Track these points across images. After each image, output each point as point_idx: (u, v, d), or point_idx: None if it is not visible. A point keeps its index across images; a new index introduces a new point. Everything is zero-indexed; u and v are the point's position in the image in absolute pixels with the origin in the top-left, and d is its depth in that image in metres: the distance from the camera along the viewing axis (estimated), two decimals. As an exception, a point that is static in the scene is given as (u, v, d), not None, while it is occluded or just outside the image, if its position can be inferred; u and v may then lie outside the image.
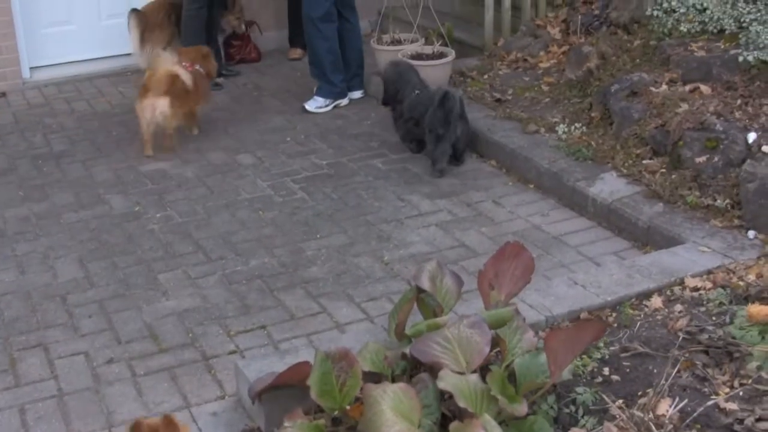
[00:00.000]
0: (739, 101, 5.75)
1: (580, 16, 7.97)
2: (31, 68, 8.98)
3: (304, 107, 7.77)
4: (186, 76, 7.07)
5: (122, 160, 7.00)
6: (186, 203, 6.25)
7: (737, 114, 5.64)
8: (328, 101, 7.75)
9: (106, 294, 5.27)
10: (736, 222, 5.19)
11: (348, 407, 3.61)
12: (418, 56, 7.61)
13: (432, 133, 6.49)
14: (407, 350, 3.74)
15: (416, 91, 6.75)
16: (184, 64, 7.19)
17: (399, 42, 7.97)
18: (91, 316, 5.08)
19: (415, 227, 5.82)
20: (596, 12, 7.94)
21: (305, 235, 5.79)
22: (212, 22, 8.51)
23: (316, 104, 7.75)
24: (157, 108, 6.96)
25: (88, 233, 5.94)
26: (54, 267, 5.56)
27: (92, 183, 6.65)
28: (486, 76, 7.83)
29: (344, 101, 7.84)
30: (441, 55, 7.63)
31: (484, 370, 3.59)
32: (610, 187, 5.78)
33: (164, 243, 5.75)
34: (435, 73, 7.45)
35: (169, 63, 7.09)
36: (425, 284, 4.09)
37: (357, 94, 7.83)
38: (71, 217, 6.17)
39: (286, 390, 3.80)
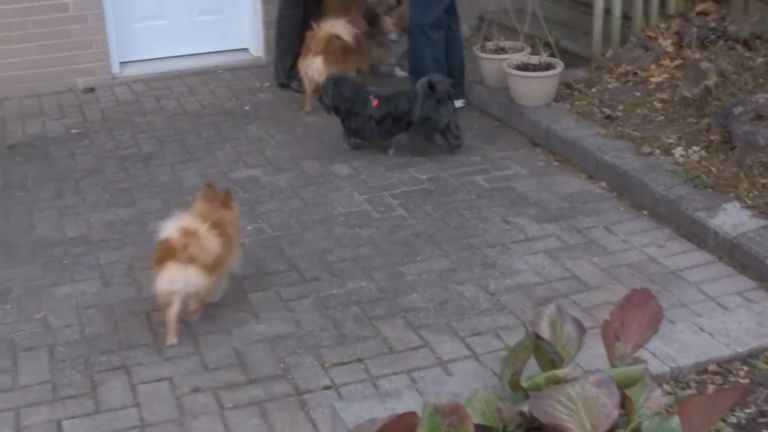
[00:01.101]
0: None
1: (695, 29, 7.50)
2: (120, 63, 8.72)
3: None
4: (347, 36, 7.50)
5: (212, 164, 6.69)
6: (279, 215, 5.91)
7: None
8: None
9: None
10: None
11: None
12: (524, 66, 7.18)
13: (428, 121, 6.73)
14: (525, 408, 3.34)
15: (371, 96, 6.79)
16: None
17: (503, 50, 7.56)
18: (176, 337, 4.68)
19: (522, 253, 5.41)
20: (712, 24, 7.46)
21: (405, 257, 5.41)
22: (309, 22, 8.09)
23: (418, 113, 7.33)
24: (312, 66, 7.47)
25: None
26: (138, 280, 5.28)
27: (181, 189, 6.34)
28: (594, 90, 7.39)
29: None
30: (548, 66, 7.19)
31: (608, 433, 3.18)
32: (733, 219, 5.33)
33: (255, 259, 5.41)
34: (542, 86, 7.06)
35: (330, 24, 7.54)
36: (544, 332, 3.71)
37: (458, 104, 7.40)
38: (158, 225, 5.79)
39: (389, 441, 3.42)
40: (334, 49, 7.65)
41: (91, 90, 8.36)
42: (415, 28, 7.21)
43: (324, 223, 5.83)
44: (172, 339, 4.75)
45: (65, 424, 4.18)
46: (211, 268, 4.68)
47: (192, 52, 8.95)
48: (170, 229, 4.65)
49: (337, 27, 7.72)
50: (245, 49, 9.05)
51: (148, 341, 4.73)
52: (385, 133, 6.90)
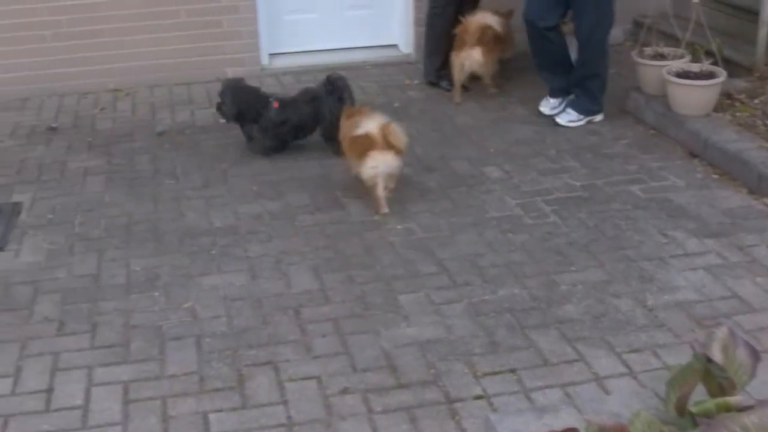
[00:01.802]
0: None
1: None
2: (270, 55, 8.63)
3: (555, 120, 7.11)
4: (498, 25, 7.61)
5: (361, 161, 6.52)
6: (429, 216, 5.75)
7: None
8: (581, 116, 7.10)
9: (342, 312, 4.80)
10: None
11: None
12: (684, 74, 6.89)
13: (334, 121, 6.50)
14: (696, 434, 3.14)
15: (271, 99, 6.72)
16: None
17: (662, 56, 7.27)
18: (325, 335, 4.62)
19: (681, 269, 5.17)
20: None
21: (558, 265, 5.20)
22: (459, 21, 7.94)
23: (569, 117, 7.14)
24: (470, 57, 7.59)
25: (324, 240, 5.50)
26: (287, 274, 5.15)
27: (328, 184, 6.24)
28: (756, 101, 7.09)
29: (599, 117, 7.17)
30: (710, 75, 6.89)
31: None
32: None
33: (405, 260, 5.27)
34: (702, 95, 6.79)
35: (481, 15, 7.61)
36: (716, 355, 3.47)
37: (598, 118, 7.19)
38: (306, 220, 5.75)
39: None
40: (488, 39, 7.65)
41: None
42: (594, 38, 7.01)
43: (475, 227, 5.66)
44: (384, 209, 5.93)
45: (212, 417, 4.10)
46: (402, 153, 5.82)
47: (341, 47, 8.86)
48: (367, 126, 5.81)
49: (488, 18, 7.71)
50: (394, 46, 8.92)
51: (296, 337, 4.63)
52: (288, 136, 6.84)
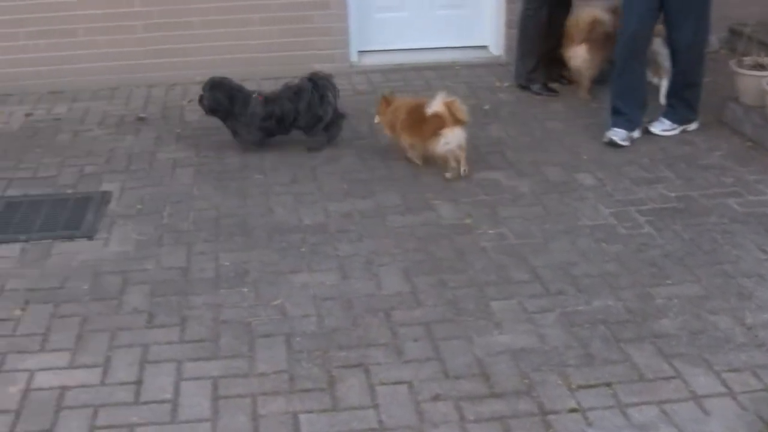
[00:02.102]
0: None
1: None
2: (359, 52, 8.57)
3: (648, 128, 6.96)
4: (608, 21, 7.39)
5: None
6: (521, 222, 5.65)
7: None
8: (675, 125, 6.95)
9: (434, 316, 4.72)
10: None
11: None
12: (785, 86, 6.71)
13: (314, 118, 6.83)
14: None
15: (254, 94, 6.80)
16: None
17: (762, 67, 7.09)
18: (416, 339, 4.54)
19: (781, 287, 4.98)
20: None
21: (653, 278, 5.07)
22: (553, 23, 7.79)
23: (662, 126, 7.01)
24: (576, 55, 7.63)
25: (415, 242, 5.42)
26: (378, 275, 5.08)
27: (419, 185, 6.17)
28: None
29: (693, 125, 7.01)
30: (813, 88, 6.69)
31: None
32: None
33: (497, 265, 5.17)
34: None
35: (590, 10, 7.52)
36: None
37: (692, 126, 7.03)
38: (396, 221, 5.68)
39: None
40: (597, 36, 7.53)
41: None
42: (696, 47, 6.92)
43: (568, 234, 5.55)
44: (461, 171, 6.44)
45: (302, 417, 4.04)
46: (466, 124, 6.29)
47: (430, 46, 8.78)
48: (436, 106, 6.32)
49: (598, 12, 7.55)
50: (484, 47, 8.84)
51: (387, 340, 4.56)
52: (273, 130, 6.90)
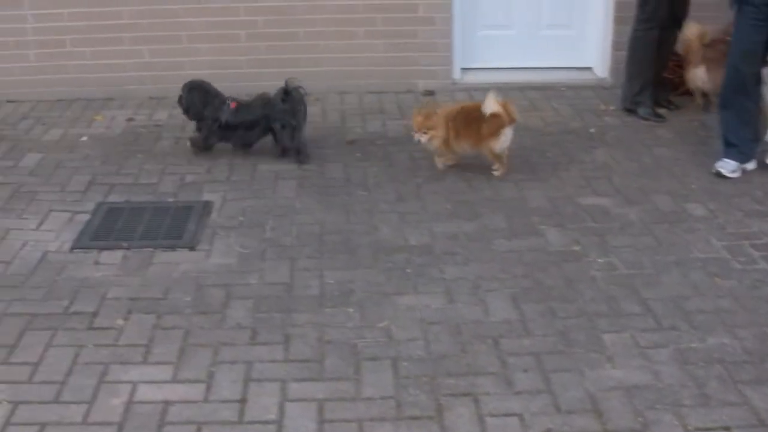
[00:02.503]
0: None
1: None
2: (462, 69, 8.43)
3: (765, 161, 6.74)
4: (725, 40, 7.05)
5: (558, 187, 6.33)
6: (631, 252, 5.48)
7: None
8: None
9: (544, 346, 4.58)
10: None
11: None
12: None
13: (285, 128, 6.88)
14: None
15: (228, 100, 6.92)
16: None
17: None
18: (526, 370, 4.41)
19: None
20: None
21: (771, 317, 4.85)
22: (664, 44, 7.60)
23: (780, 158, 6.75)
24: (696, 77, 7.73)
25: (522, 267, 5.28)
26: (485, 301, 4.95)
27: (526, 208, 6.01)
28: None
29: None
30: None
31: None
32: None
33: (608, 296, 5.01)
34: None
35: (704, 28, 7.56)
36: None
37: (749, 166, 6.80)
38: (503, 245, 5.54)
39: None
40: (715, 54, 7.41)
41: (431, 93, 8.21)
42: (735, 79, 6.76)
43: (679, 267, 5.38)
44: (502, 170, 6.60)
45: (410, 446, 3.88)
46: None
47: (534, 66, 8.60)
48: (493, 106, 6.51)
49: (712, 31, 7.44)
50: (589, 68, 8.66)
51: (496, 369, 4.43)
52: (240, 139, 7.04)
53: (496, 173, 6.62)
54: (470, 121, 6.43)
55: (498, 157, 6.60)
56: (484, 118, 6.40)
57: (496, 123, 6.42)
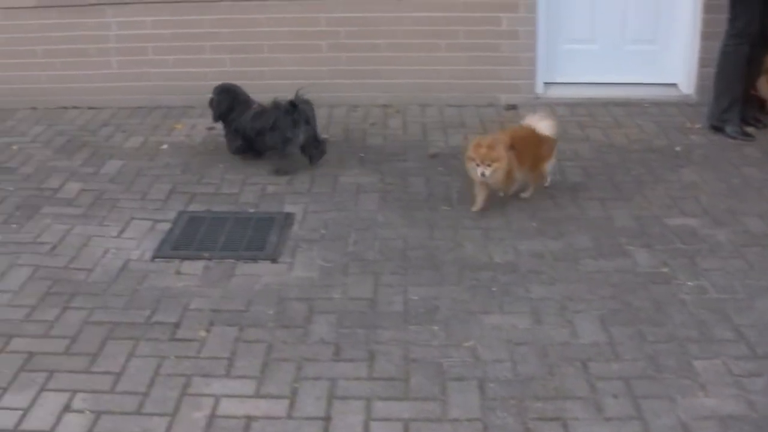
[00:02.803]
0: None
1: None
2: (544, 83, 8.30)
3: None
4: None
5: (644, 206, 6.19)
6: (721, 275, 5.34)
7: None
8: None
9: (633, 371, 4.46)
10: None
11: None
12: None
13: (281, 138, 6.84)
14: None
15: (254, 105, 7.02)
16: None
17: None
18: (616, 395, 4.31)
19: None
20: None
21: None
22: (753, 61, 7.43)
23: None
24: None
25: (610, 289, 5.16)
26: (572, 322, 4.84)
27: (612, 228, 5.88)
28: None
29: None
30: None
31: None
32: None
33: (698, 320, 4.88)
34: None
35: None
36: None
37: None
38: (589, 265, 5.42)
39: None
40: None
41: (513, 107, 8.10)
42: None
43: (772, 292, 5.18)
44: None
45: (497, 470, 3.78)
46: None
47: (617, 81, 8.45)
48: (546, 128, 6.50)
49: None
50: (673, 85, 8.50)
51: (585, 394, 4.32)
52: (256, 147, 7.12)
53: (525, 196, 6.50)
54: (527, 145, 6.19)
55: (544, 178, 6.53)
56: (539, 140, 6.30)
57: (551, 143, 6.38)
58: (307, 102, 6.80)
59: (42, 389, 4.38)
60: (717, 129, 7.70)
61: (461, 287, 5.22)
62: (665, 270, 5.44)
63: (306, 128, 6.82)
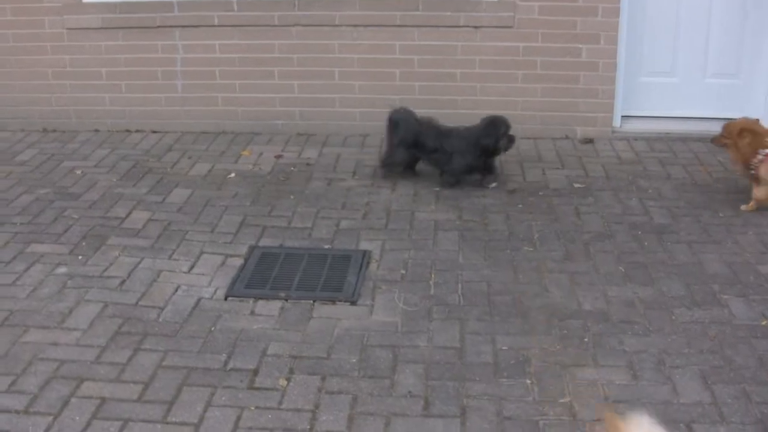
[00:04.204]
0: None
1: None
2: (622, 117, 8.00)
3: None
4: None
5: (735, 251, 5.89)
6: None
7: None
8: None
9: (735, 436, 4.12)
10: None
11: None
12: None
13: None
14: None
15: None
16: None
17: None
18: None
19: None
20: None
21: None
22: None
23: None
24: None
25: (708, 342, 4.89)
26: (671, 379, 4.56)
27: (703, 274, 5.59)
28: None
29: None
30: None
31: None
32: None
33: (812, 373, 4.55)
34: None
35: None
36: None
37: None
38: (684, 315, 5.14)
39: None
40: None
41: (590, 141, 7.85)
42: None
43: None
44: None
45: None
46: None
47: (698, 116, 8.13)
48: None
49: None
50: (756, 120, 8.11)
51: (693, 461, 3.97)
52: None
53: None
54: None
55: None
56: None
57: None
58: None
59: (117, 440, 4.13)
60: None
61: (551, 337, 4.97)
62: (765, 323, 5.15)
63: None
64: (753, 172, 6.34)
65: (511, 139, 6.92)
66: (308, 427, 4.28)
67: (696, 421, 4.33)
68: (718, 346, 4.94)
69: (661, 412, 4.38)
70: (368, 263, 5.77)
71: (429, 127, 7.00)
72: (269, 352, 4.84)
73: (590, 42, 7.77)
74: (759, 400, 4.50)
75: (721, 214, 6.58)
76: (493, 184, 7.00)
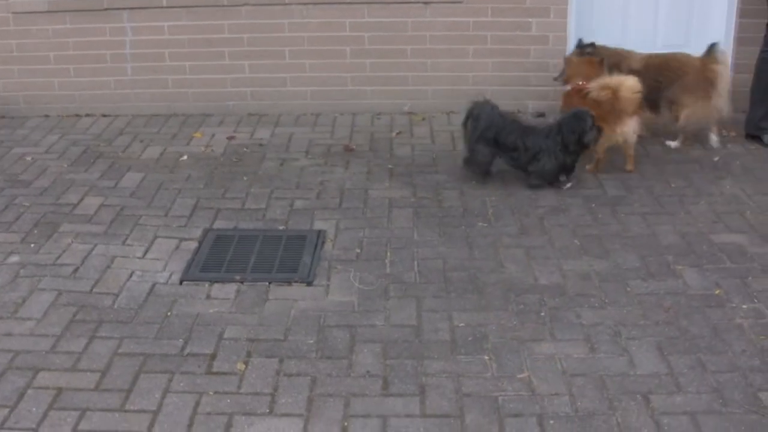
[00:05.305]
0: None
1: None
2: (573, 89, 8.00)
3: None
4: None
5: (688, 222, 5.96)
6: (776, 296, 5.05)
7: None
8: None
9: (698, 405, 4.27)
10: None
11: None
12: None
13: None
14: None
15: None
16: None
17: None
18: (683, 432, 3.98)
19: None
20: None
21: None
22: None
23: None
24: None
25: (663, 313, 4.92)
26: (628, 351, 4.60)
27: (657, 246, 5.63)
28: None
29: None
30: None
31: None
32: None
33: (760, 348, 4.66)
34: None
35: None
36: None
37: None
38: (639, 287, 5.17)
39: None
40: None
41: (542, 115, 7.92)
42: None
43: (833, 315, 4.93)
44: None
45: None
46: None
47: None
48: None
49: None
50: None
51: (650, 430, 4.13)
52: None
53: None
54: None
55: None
56: None
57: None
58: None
59: (74, 430, 4.08)
60: (753, 137, 7.47)
61: (508, 312, 4.99)
62: (717, 292, 5.21)
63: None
64: None
65: (599, 131, 6.55)
66: (268, 410, 4.25)
67: (653, 392, 4.36)
68: (673, 316, 4.97)
69: (618, 384, 4.38)
70: (323, 243, 5.76)
71: (512, 122, 6.67)
72: (226, 335, 4.81)
73: (540, 16, 7.78)
74: (714, 369, 4.53)
75: (673, 185, 6.63)
76: (569, 185, 6.72)
